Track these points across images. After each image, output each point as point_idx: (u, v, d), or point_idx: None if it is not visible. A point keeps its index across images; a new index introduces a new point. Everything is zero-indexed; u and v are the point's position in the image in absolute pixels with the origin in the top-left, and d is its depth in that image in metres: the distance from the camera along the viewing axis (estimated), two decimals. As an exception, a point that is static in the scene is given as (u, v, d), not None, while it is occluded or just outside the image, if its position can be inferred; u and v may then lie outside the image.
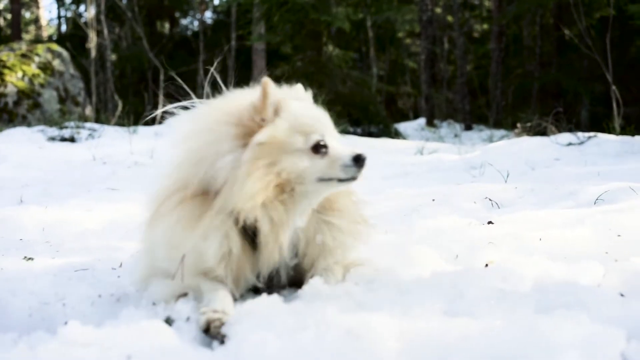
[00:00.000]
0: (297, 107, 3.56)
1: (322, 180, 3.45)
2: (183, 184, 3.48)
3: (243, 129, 3.42)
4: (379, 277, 3.51)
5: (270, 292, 3.31)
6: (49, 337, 2.93)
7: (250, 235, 3.43)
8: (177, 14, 47.29)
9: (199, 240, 3.35)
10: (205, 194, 3.41)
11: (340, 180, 3.47)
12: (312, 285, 3.32)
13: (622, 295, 3.24)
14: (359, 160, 3.46)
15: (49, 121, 19.53)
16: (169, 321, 3.10)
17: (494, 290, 3.24)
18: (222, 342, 2.92)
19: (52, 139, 16.23)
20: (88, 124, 18.48)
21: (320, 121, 3.55)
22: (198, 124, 3.63)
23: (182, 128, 3.73)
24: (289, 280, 3.64)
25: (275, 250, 3.41)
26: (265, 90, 3.40)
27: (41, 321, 3.36)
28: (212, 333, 3.01)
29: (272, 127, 3.42)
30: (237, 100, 3.57)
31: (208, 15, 48.05)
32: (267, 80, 3.42)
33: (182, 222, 3.40)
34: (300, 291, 3.34)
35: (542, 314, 2.91)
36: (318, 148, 3.46)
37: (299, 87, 3.85)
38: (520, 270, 3.57)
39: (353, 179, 3.48)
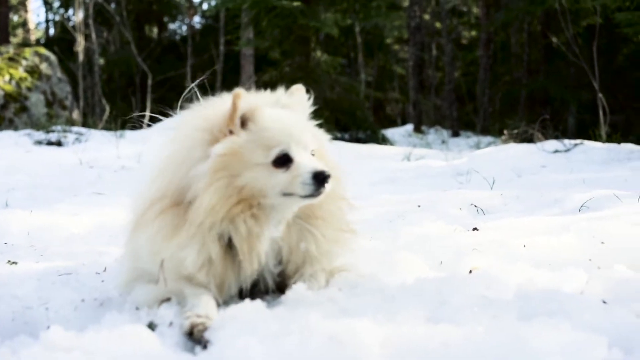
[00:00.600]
0: (267, 118, 3.49)
1: (286, 195, 3.40)
2: (163, 193, 3.46)
3: (214, 138, 3.42)
4: (363, 283, 3.50)
5: (254, 298, 3.31)
6: (32, 342, 2.93)
7: (227, 244, 3.41)
8: (165, 19, 47.22)
9: (177, 250, 3.33)
10: (184, 204, 3.39)
11: (302, 197, 3.40)
12: (296, 291, 3.30)
13: (604, 302, 3.25)
14: (319, 178, 3.35)
15: (36, 125, 19.48)
16: (151, 326, 3.10)
17: (477, 297, 3.25)
18: (204, 347, 2.93)
19: (39, 142, 16.18)
20: (75, 128, 18.43)
21: (287, 133, 3.44)
22: (178, 130, 3.62)
23: (164, 134, 3.72)
24: (275, 286, 3.61)
25: (254, 260, 3.38)
26: (234, 102, 3.37)
27: (24, 325, 3.35)
28: (195, 337, 3.01)
29: (233, 139, 3.40)
30: (217, 107, 3.54)
31: (197, 20, 48.01)
32: (238, 91, 3.39)
33: (161, 232, 3.38)
34: (283, 297, 3.33)
35: (524, 321, 2.92)
36: (280, 162, 3.39)
37: (291, 91, 3.81)
38: (504, 277, 3.59)
39: (313, 196, 3.39)
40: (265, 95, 3.76)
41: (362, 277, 3.64)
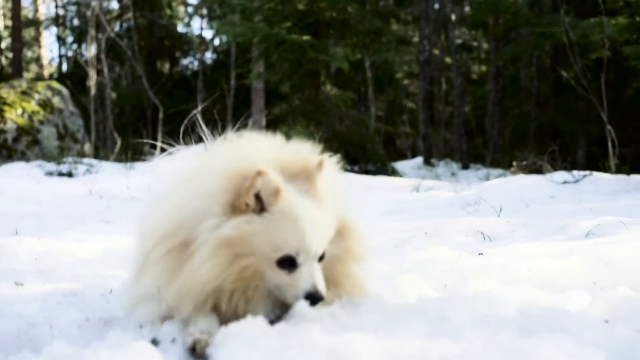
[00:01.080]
0: (283, 211, 3.31)
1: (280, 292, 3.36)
2: (172, 232, 3.37)
3: (232, 200, 3.31)
4: (365, 302, 3.51)
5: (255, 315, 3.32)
6: (35, 356, 2.96)
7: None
8: (177, 54, 47.57)
9: (175, 299, 3.28)
10: (190, 248, 3.28)
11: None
12: (298, 308, 3.31)
13: (606, 322, 3.26)
14: (312, 299, 3.29)
15: (47, 157, 19.59)
16: (155, 342, 3.13)
17: (478, 315, 3.27)
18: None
19: (50, 173, 16.26)
20: (86, 160, 18.54)
21: (301, 236, 3.29)
22: (199, 174, 3.53)
23: (178, 171, 3.70)
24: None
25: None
26: (252, 182, 3.24)
27: (28, 342, 3.38)
28: (197, 353, 3.03)
29: (245, 223, 3.28)
30: (241, 162, 3.40)
31: (208, 55, 48.36)
32: (262, 170, 3.23)
33: (164, 275, 3.32)
34: (286, 314, 3.35)
35: (524, 337, 2.93)
36: (284, 264, 3.31)
37: (320, 164, 3.49)
38: (506, 297, 3.60)
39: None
40: (290, 165, 3.51)
41: (365, 296, 3.64)
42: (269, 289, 3.35)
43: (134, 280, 3.64)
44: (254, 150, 3.46)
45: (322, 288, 3.32)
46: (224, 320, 3.27)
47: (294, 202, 3.32)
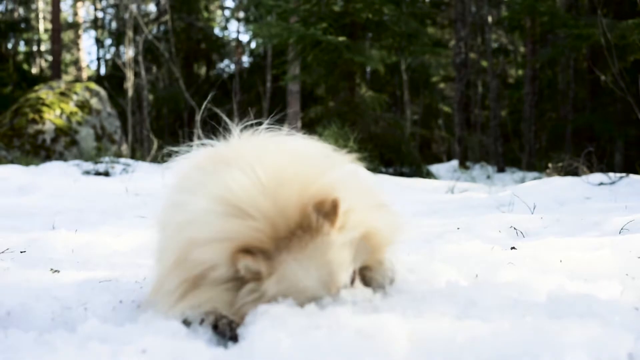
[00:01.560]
0: (283, 275, 3.07)
1: None
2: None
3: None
4: (395, 286, 3.53)
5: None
6: (69, 334, 3.01)
7: None
8: (213, 57, 47.82)
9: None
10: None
11: None
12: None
13: (636, 309, 3.25)
14: None
15: (84, 157, 19.80)
16: (186, 323, 3.16)
17: (507, 300, 3.27)
18: (235, 341, 2.99)
19: (87, 172, 16.44)
20: (123, 160, 18.73)
21: (309, 292, 3.08)
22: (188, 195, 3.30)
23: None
24: None
25: None
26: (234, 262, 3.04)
27: (63, 323, 3.44)
28: (220, 330, 3.06)
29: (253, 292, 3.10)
30: (230, 202, 3.09)
31: (244, 58, 48.56)
32: (239, 256, 3.01)
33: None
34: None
35: (552, 320, 2.93)
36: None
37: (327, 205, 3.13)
38: (536, 285, 3.60)
39: None
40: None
41: (394, 280, 3.66)
42: None
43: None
44: (251, 190, 3.11)
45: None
46: None
47: (288, 269, 3.07)
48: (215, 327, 3.09)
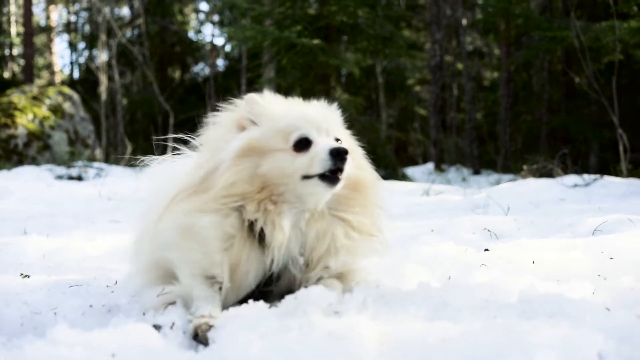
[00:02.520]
0: (282, 110, 3.63)
1: (306, 178, 3.45)
2: (191, 181, 3.58)
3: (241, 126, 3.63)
4: (367, 287, 3.53)
5: (269, 302, 3.36)
6: (37, 339, 2.98)
7: (249, 227, 3.48)
8: (188, 60, 47.69)
9: (199, 218, 3.43)
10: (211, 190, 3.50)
11: (321, 178, 3.43)
12: (298, 292, 3.32)
13: (607, 309, 3.26)
14: (335, 153, 3.40)
15: (57, 162, 19.68)
16: (156, 327, 3.14)
17: (479, 301, 3.28)
18: (206, 344, 2.97)
19: (60, 177, 16.35)
20: (96, 164, 18.68)
21: (306, 119, 3.55)
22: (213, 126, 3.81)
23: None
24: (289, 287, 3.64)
25: (275, 245, 3.44)
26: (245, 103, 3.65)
27: (32, 329, 3.41)
28: (201, 338, 3.06)
29: (252, 130, 3.56)
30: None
31: (219, 62, 48.49)
32: (249, 95, 3.66)
33: (187, 209, 3.48)
34: (286, 297, 3.35)
35: (523, 320, 2.93)
36: (300, 146, 3.48)
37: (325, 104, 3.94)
38: (508, 286, 3.61)
39: (332, 173, 3.42)
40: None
41: (367, 282, 3.67)
42: (295, 190, 3.49)
43: (146, 237, 3.83)
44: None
45: (341, 145, 3.47)
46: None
47: (288, 106, 3.75)
48: (195, 337, 3.09)
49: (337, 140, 3.61)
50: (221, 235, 3.42)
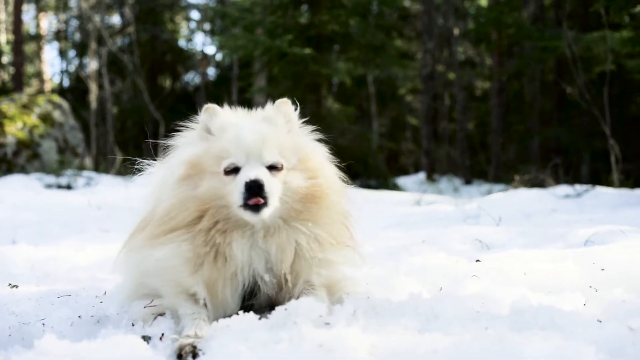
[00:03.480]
0: (231, 129, 3.66)
1: (238, 205, 3.48)
2: (145, 215, 3.80)
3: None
4: (357, 299, 3.51)
5: (258, 313, 3.34)
6: (25, 350, 2.96)
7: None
8: (179, 69, 47.59)
9: (157, 251, 3.52)
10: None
11: (245, 207, 3.45)
12: (288, 304, 3.31)
13: (599, 321, 3.25)
14: (249, 188, 3.42)
15: (47, 170, 19.61)
16: (145, 338, 3.13)
17: (470, 312, 3.26)
18: (195, 357, 2.95)
19: (49, 186, 16.30)
20: (85, 173, 18.61)
21: (238, 144, 3.56)
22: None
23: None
24: (275, 295, 3.65)
25: (230, 267, 3.49)
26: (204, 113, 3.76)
27: (20, 339, 3.39)
28: (183, 359, 3.03)
29: (193, 149, 3.67)
30: None
31: (210, 70, 48.42)
32: (207, 106, 3.78)
33: (145, 243, 3.60)
34: (276, 308, 3.34)
35: (514, 332, 2.92)
36: (229, 172, 3.53)
37: (277, 104, 3.92)
38: (499, 297, 3.60)
39: (250, 209, 3.44)
40: (251, 112, 3.97)
41: (357, 293, 3.65)
42: (236, 213, 3.51)
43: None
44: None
45: (259, 176, 3.45)
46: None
47: (232, 119, 3.75)
48: (179, 357, 3.06)
49: (271, 167, 3.58)
50: (184, 260, 3.47)
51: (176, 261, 3.46)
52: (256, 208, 3.42)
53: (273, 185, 3.47)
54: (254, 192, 3.40)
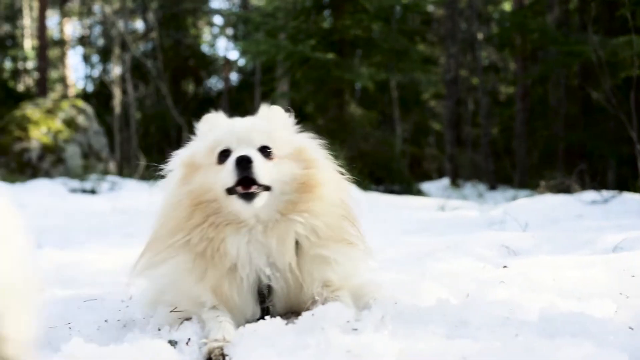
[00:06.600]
0: (220, 125, 3.74)
1: (229, 193, 3.46)
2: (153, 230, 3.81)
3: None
4: (384, 304, 3.48)
5: (273, 316, 3.32)
6: (52, 354, 2.96)
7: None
8: (202, 74, 47.74)
9: (157, 269, 3.63)
10: None
11: (239, 196, 3.44)
12: (315, 309, 3.28)
13: (631, 328, 3.20)
14: (239, 162, 3.40)
15: (71, 175, 19.70)
16: (172, 343, 3.12)
17: (498, 319, 3.23)
18: (222, 360, 2.95)
19: (74, 190, 16.38)
20: (110, 177, 18.73)
21: (230, 132, 3.61)
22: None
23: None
24: (289, 303, 3.63)
25: (226, 262, 3.47)
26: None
27: (47, 343, 3.38)
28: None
29: (189, 147, 3.76)
30: None
31: (233, 76, 48.53)
32: (205, 116, 3.86)
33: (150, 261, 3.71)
34: (303, 314, 3.32)
35: (544, 339, 2.88)
36: (221, 158, 3.54)
37: (269, 107, 3.96)
38: (527, 303, 3.55)
39: (242, 196, 3.42)
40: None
41: (384, 298, 3.62)
42: (227, 206, 3.50)
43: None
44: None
45: (248, 153, 3.45)
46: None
47: (229, 122, 3.82)
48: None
49: (265, 148, 3.58)
50: (185, 272, 3.49)
51: (178, 275, 3.49)
52: (248, 197, 3.40)
53: (264, 166, 3.45)
54: (244, 167, 3.37)
